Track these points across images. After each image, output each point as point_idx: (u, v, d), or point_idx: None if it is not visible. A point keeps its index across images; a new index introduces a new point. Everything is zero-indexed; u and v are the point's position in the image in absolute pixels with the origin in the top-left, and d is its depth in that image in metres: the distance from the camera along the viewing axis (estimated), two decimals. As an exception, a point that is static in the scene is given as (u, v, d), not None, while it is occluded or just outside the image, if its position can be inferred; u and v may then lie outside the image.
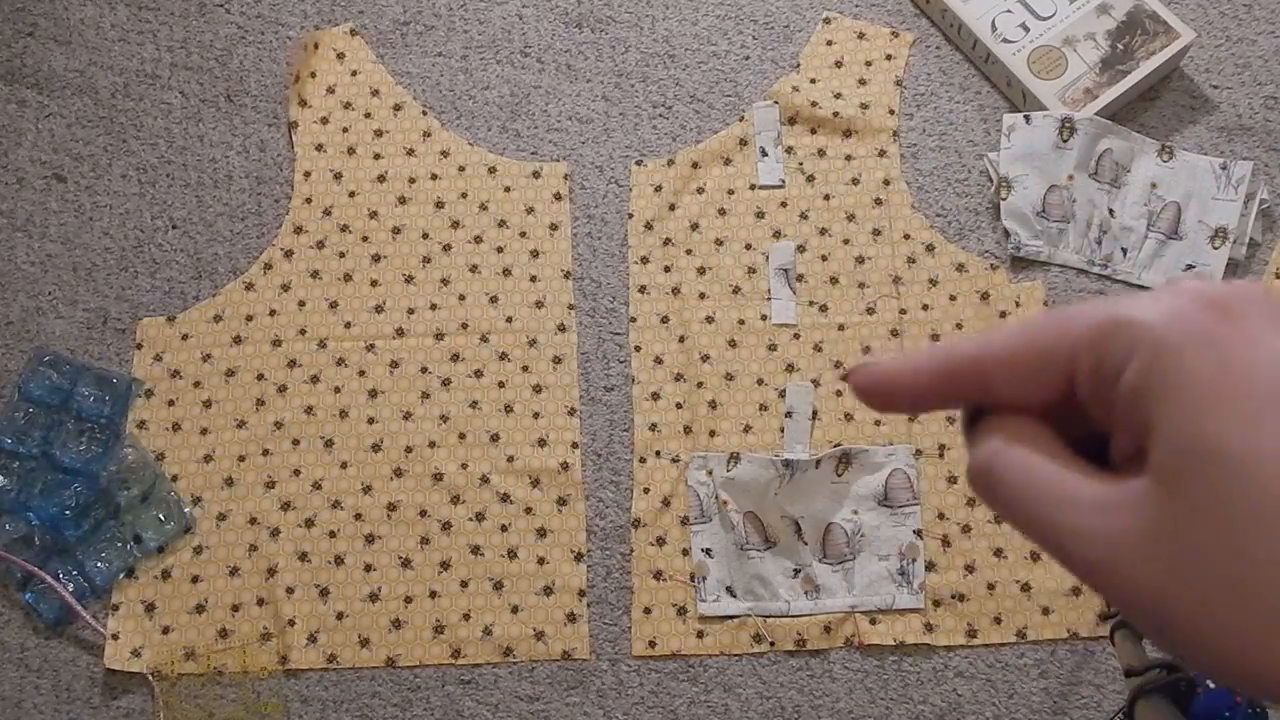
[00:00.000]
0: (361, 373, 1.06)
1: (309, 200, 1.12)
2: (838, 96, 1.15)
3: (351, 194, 1.12)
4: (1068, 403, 0.26)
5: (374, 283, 1.09)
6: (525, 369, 1.06)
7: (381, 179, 1.13)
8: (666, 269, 1.09)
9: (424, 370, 1.06)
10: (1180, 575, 0.21)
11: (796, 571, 0.99)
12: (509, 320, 1.08)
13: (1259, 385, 0.21)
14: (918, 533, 1.00)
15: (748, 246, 1.10)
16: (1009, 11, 1.14)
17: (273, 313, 1.08)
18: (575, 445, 1.04)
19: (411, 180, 1.13)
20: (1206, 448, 0.21)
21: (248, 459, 1.03)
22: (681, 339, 1.07)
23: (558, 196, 1.12)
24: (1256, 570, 0.20)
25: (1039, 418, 0.26)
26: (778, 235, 1.10)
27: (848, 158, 1.13)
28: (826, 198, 1.11)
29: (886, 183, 1.12)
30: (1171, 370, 0.22)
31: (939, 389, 0.27)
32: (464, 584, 1.00)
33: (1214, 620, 0.21)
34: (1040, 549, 0.25)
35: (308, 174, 1.13)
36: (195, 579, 1.00)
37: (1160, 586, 0.22)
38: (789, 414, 1.04)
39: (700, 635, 0.98)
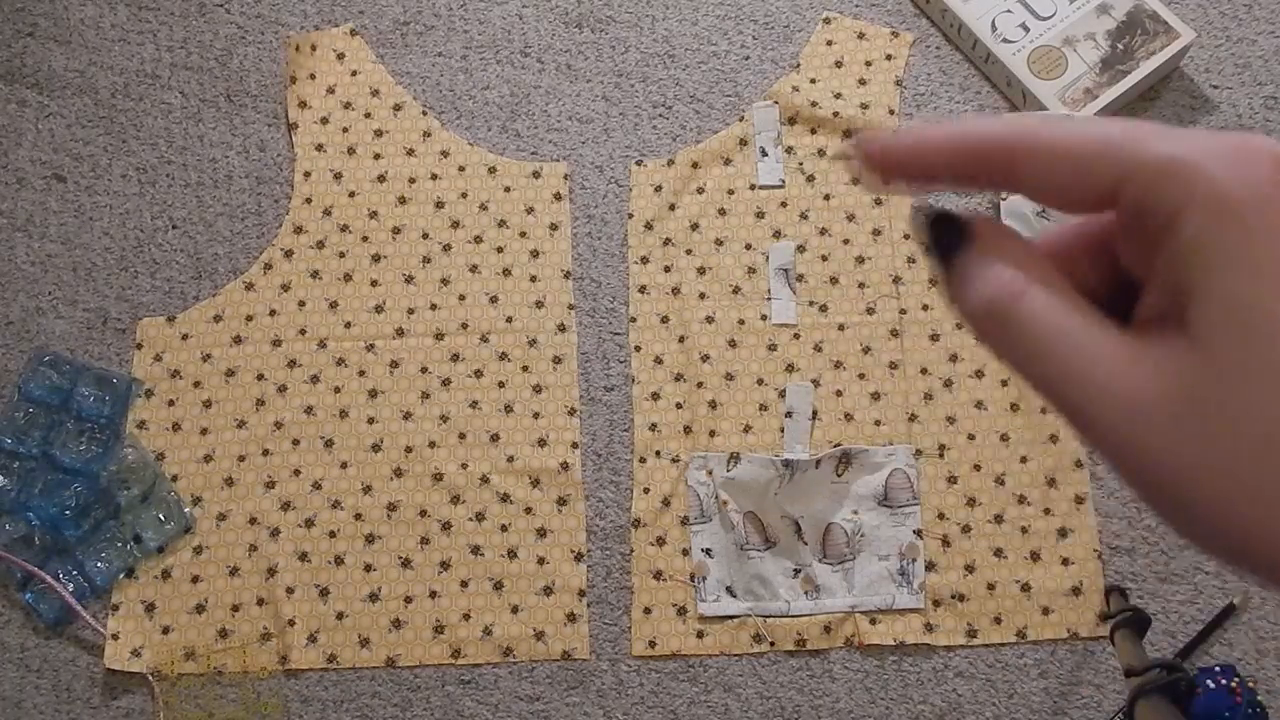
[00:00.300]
0: (361, 373, 1.06)
1: (309, 200, 1.12)
2: (838, 96, 1.15)
3: (351, 194, 1.12)
4: (1087, 236, 0.25)
5: (374, 283, 1.09)
6: (525, 369, 1.06)
7: (381, 179, 1.13)
8: (666, 269, 1.09)
9: (424, 370, 1.06)
10: (1209, 442, 0.21)
11: (796, 571, 0.99)
12: (509, 320, 1.08)
13: None
14: (918, 533, 1.00)
15: (748, 246, 1.10)
16: (1009, 11, 1.14)
17: (273, 313, 1.08)
18: (575, 445, 1.04)
19: (411, 180, 1.13)
20: (1259, 315, 0.20)
21: (248, 459, 1.03)
22: (681, 339, 1.07)
23: (558, 196, 1.12)
24: None
25: (1046, 255, 0.25)
26: (778, 235, 1.10)
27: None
28: (827, 198, 1.11)
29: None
30: (1232, 234, 0.21)
31: (956, 161, 0.25)
32: (464, 584, 1.00)
33: (1239, 486, 0.20)
34: (1049, 405, 0.23)
35: (308, 174, 1.13)
36: (195, 579, 1.00)
37: (1184, 453, 0.21)
38: (789, 414, 1.04)
39: (700, 635, 0.98)
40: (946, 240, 0.25)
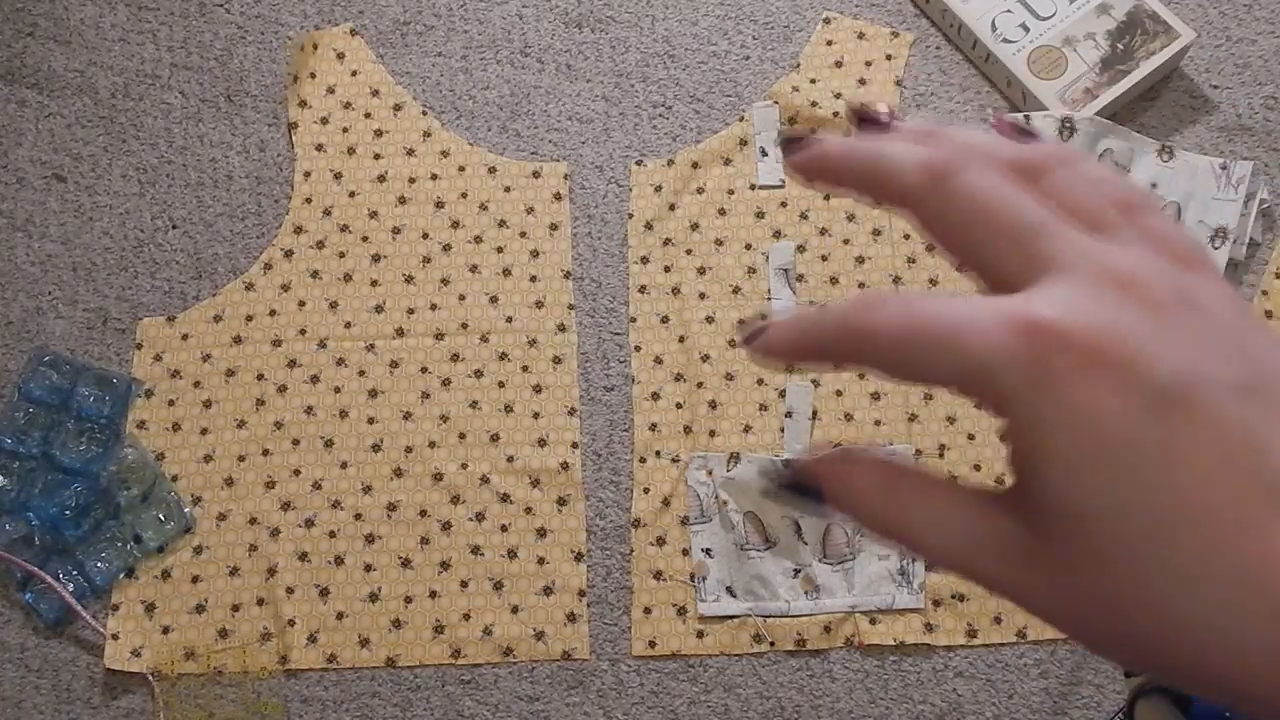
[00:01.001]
0: (361, 373, 1.06)
1: (309, 200, 1.12)
2: (838, 96, 1.15)
3: (351, 194, 1.12)
4: None
5: (374, 283, 1.09)
6: (525, 369, 1.06)
7: (381, 179, 1.13)
8: (666, 269, 1.09)
9: (424, 370, 1.06)
10: (1064, 601, 0.23)
11: (796, 571, 0.99)
12: (509, 320, 1.08)
13: (1097, 443, 0.22)
14: (918, 533, 1.00)
15: (748, 246, 1.10)
16: (1009, 11, 1.14)
17: (273, 313, 1.08)
18: (575, 445, 1.04)
19: (411, 180, 1.13)
20: (1070, 511, 0.22)
21: (248, 459, 1.03)
22: (681, 339, 1.07)
23: (558, 196, 1.12)
24: (1134, 603, 0.22)
25: None
26: (778, 235, 1.10)
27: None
28: (827, 198, 1.11)
29: (886, 183, 1.12)
30: (1029, 430, 0.23)
31: (810, 352, 0.27)
32: (464, 584, 1.00)
33: (1098, 629, 0.23)
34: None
35: (308, 174, 1.13)
36: (195, 579, 1.00)
37: (1060, 614, 0.24)
38: (789, 414, 1.04)
39: (700, 635, 0.98)
40: (806, 499, 0.28)
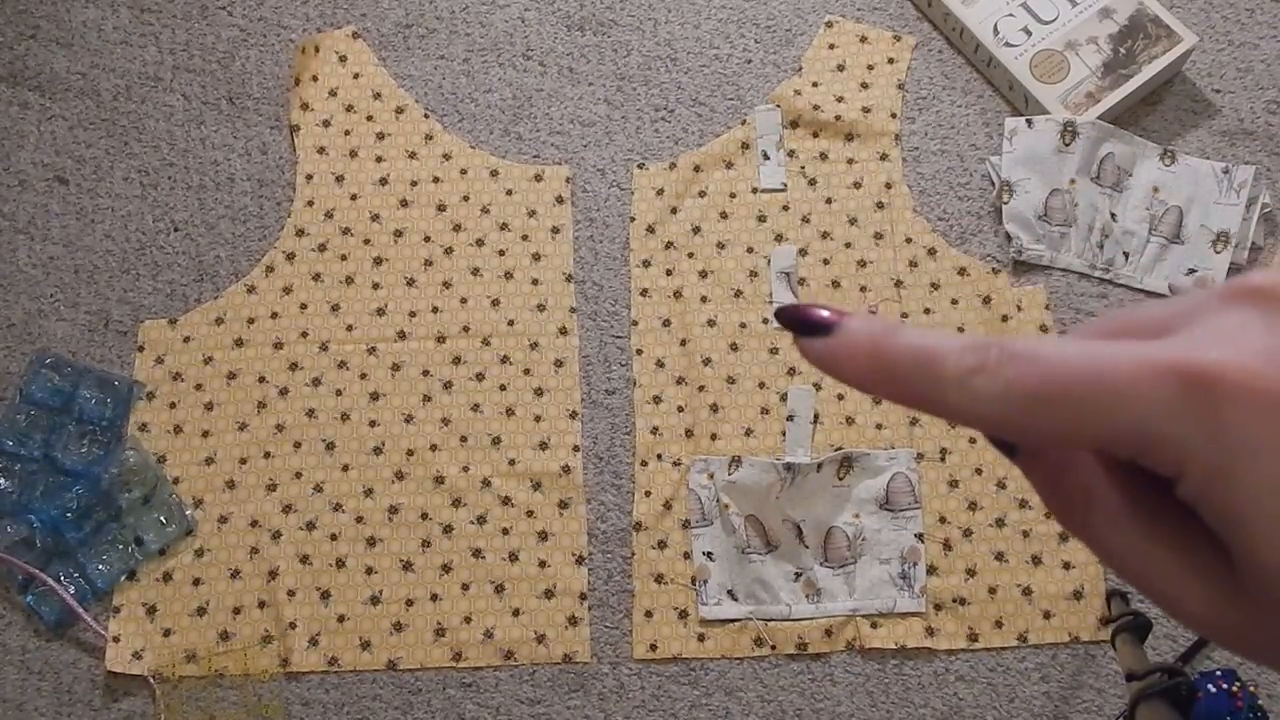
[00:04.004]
0: (363, 375, 1.06)
1: (311, 203, 1.12)
2: (840, 100, 1.15)
3: (353, 197, 1.12)
4: None
5: (376, 286, 1.09)
6: (527, 372, 1.06)
7: (383, 182, 1.13)
8: (668, 272, 1.09)
9: (425, 373, 1.06)
10: None
11: (798, 575, 0.99)
12: (510, 323, 1.08)
13: None
14: (919, 536, 1.00)
15: (749, 250, 1.10)
16: (1011, 15, 1.14)
17: (274, 315, 1.08)
18: (576, 448, 1.04)
19: (413, 183, 1.13)
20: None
21: (249, 461, 1.03)
22: (683, 342, 1.07)
23: (559, 200, 1.12)
24: None
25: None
26: (779, 239, 1.10)
27: (850, 161, 1.13)
28: (828, 201, 1.11)
29: (888, 186, 1.12)
30: (1216, 490, 0.21)
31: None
32: (465, 587, 1.00)
33: None
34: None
35: (310, 177, 1.13)
36: (196, 581, 1.00)
37: (1266, 654, 0.22)
38: (790, 417, 1.04)
39: (701, 639, 0.98)
40: (1002, 447, 0.25)
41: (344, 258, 1.10)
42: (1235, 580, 0.21)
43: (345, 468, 1.03)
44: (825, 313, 0.24)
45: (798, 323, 0.25)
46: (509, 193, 1.13)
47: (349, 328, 1.08)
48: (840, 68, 1.17)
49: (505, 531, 1.01)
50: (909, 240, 1.10)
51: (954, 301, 1.07)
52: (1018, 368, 0.22)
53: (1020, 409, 0.22)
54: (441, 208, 1.12)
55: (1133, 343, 0.22)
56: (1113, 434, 0.21)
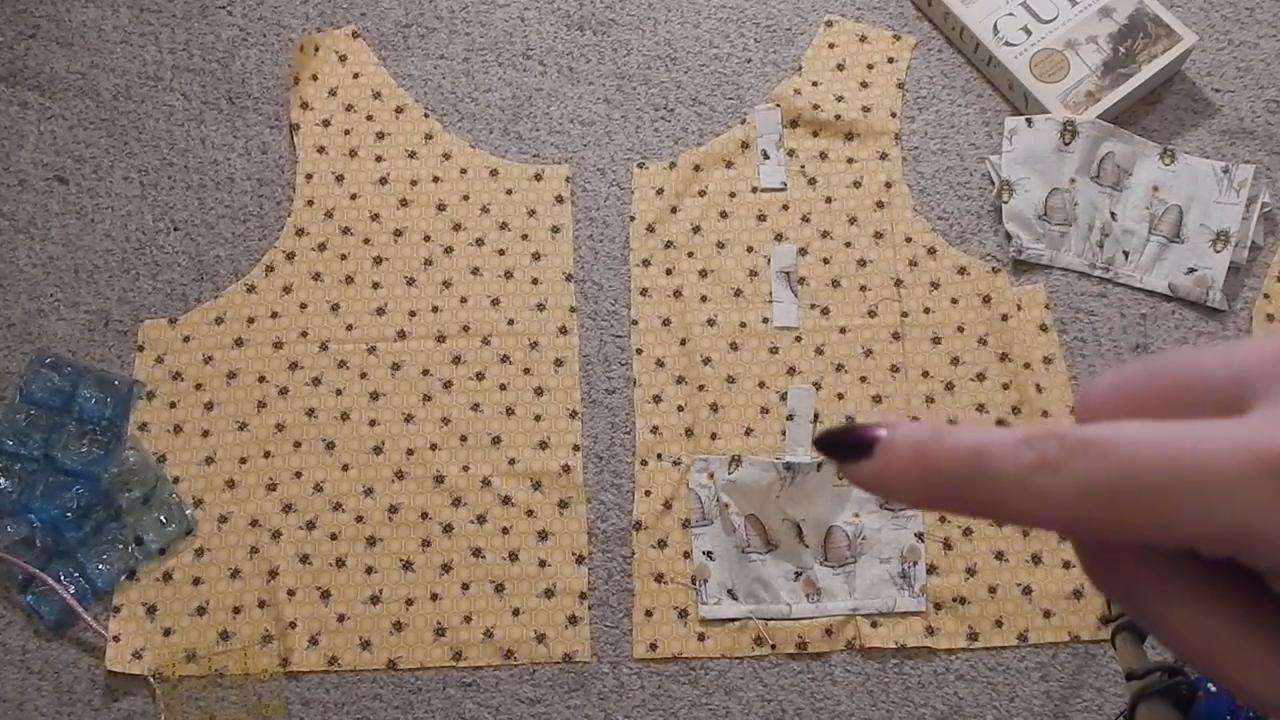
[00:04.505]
0: (363, 375, 1.06)
1: (311, 202, 1.12)
2: (840, 99, 1.15)
3: (353, 196, 1.12)
4: None
5: (375, 285, 1.09)
6: (527, 371, 1.06)
7: (383, 181, 1.13)
8: (668, 271, 1.09)
9: (425, 373, 1.06)
10: None
11: (798, 574, 0.99)
12: (510, 323, 1.08)
13: None
14: (919, 536, 1.00)
15: (749, 249, 1.10)
16: (1011, 15, 1.14)
17: (274, 315, 1.08)
18: (576, 448, 1.04)
19: (413, 183, 1.13)
20: None
21: (249, 461, 1.03)
22: (683, 342, 1.07)
23: (559, 199, 1.12)
24: None
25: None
26: (779, 238, 1.10)
27: (849, 161, 1.13)
28: (828, 200, 1.11)
29: (888, 186, 1.12)
30: None
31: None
32: (465, 586, 1.00)
33: None
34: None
35: (309, 176, 1.13)
36: (196, 581, 1.00)
37: None
38: (790, 417, 1.04)
39: (701, 638, 0.98)
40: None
41: (344, 257, 1.10)
42: None
43: (345, 467, 1.03)
44: (863, 433, 0.22)
45: (839, 449, 0.23)
46: (509, 192, 1.13)
47: (349, 327, 1.08)
48: (840, 67, 1.17)
49: (505, 531, 1.01)
50: (909, 239, 1.10)
51: (954, 301, 1.07)
52: (1089, 462, 0.19)
53: (1096, 509, 0.19)
54: (441, 207, 1.12)
55: (1218, 424, 0.19)
56: (1205, 532, 0.19)
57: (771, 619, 0.98)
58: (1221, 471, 0.18)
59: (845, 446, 0.23)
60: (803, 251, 1.10)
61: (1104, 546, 0.22)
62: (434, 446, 1.04)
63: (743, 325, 1.07)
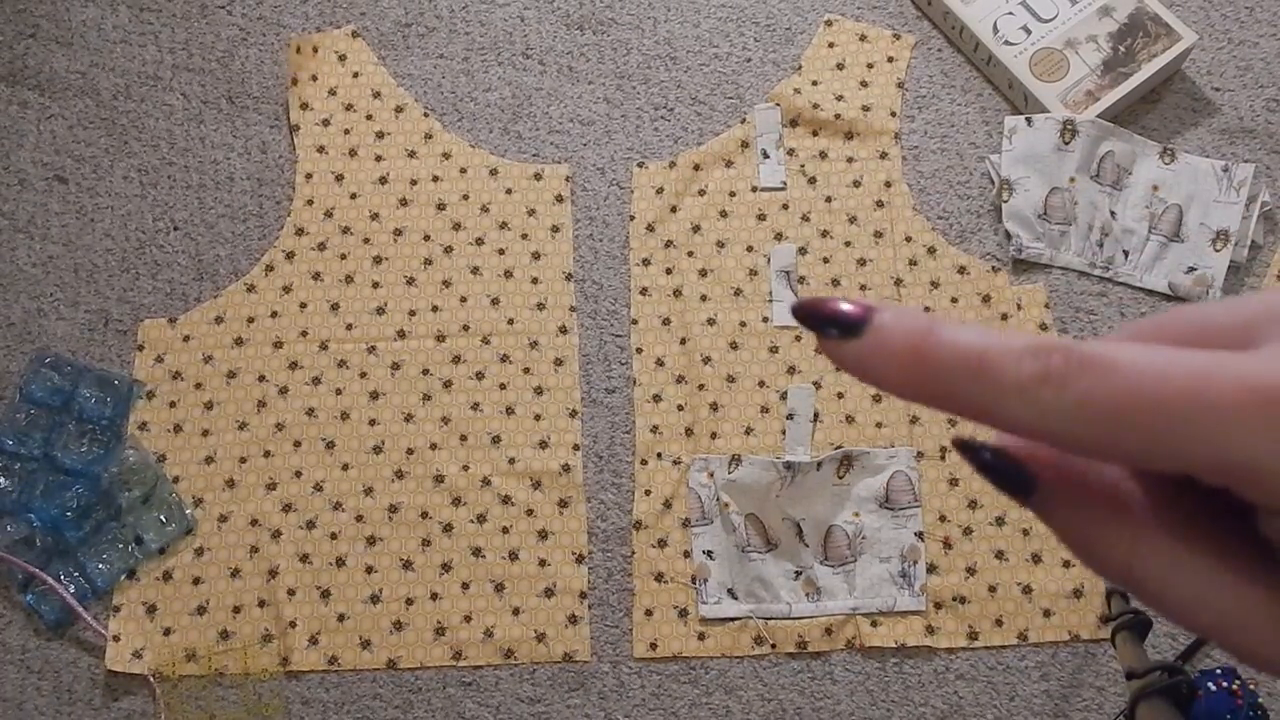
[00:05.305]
0: (363, 374, 1.06)
1: (310, 202, 1.12)
2: (839, 99, 1.15)
3: (353, 196, 1.12)
4: None
5: (375, 285, 1.09)
6: (526, 371, 1.06)
7: (383, 181, 1.13)
8: (668, 271, 1.09)
9: (425, 372, 1.06)
10: None
11: (798, 574, 0.99)
12: (510, 322, 1.08)
13: None
14: (919, 535, 1.00)
15: (749, 249, 1.10)
16: (1011, 14, 1.14)
17: (274, 314, 1.08)
18: (576, 447, 1.04)
19: (413, 182, 1.13)
20: None
21: (249, 461, 1.03)
22: (683, 341, 1.07)
23: (559, 198, 1.12)
24: None
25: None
26: (779, 237, 1.10)
27: (849, 160, 1.13)
28: (828, 200, 1.11)
29: (888, 185, 1.12)
30: None
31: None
32: (465, 586, 1.00)
33: None
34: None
35: (309, 176, 1.13)
36: (196, 580, 1.00)
37: None
38: (790, 416, 1.04)
39: (701, 637, 0.98)
40: (1012, 482, 0.22)
41: (344, 257, 1.10)
42: None
43: (345, 466, 1.03)
44: (850, 307, 0.21)
45: (822, 319, 0.21)
46: (508, 191, 1.13)
47: (349, 326, 1.08)
48: (840, 66, 1.17)
49: (505, 530, 1.01)
50: (909, 239, 1.10)
51: (954, 300, 1.07)
52: (1094, 380, 0.19)
53: (1096, 427, 0.19)
54: (441, 206, 1.12)
55: (1225, 355, 0.19)
56: (1207, 458, 0.19)
57: (771, 618, 0.98)
58: (1225, 401, 0.18)
59: (831, 320, 0.21)
60: (803, 251, 1.09)
61: (1089, 519, 0.21)
62: (434, 446, 1.04)
63: (743, 324, 1.07)
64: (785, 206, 1.11)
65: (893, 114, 1.14)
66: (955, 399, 0.20)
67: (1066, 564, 0.99)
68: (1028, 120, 1.10)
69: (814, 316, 0.21)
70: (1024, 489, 0.22)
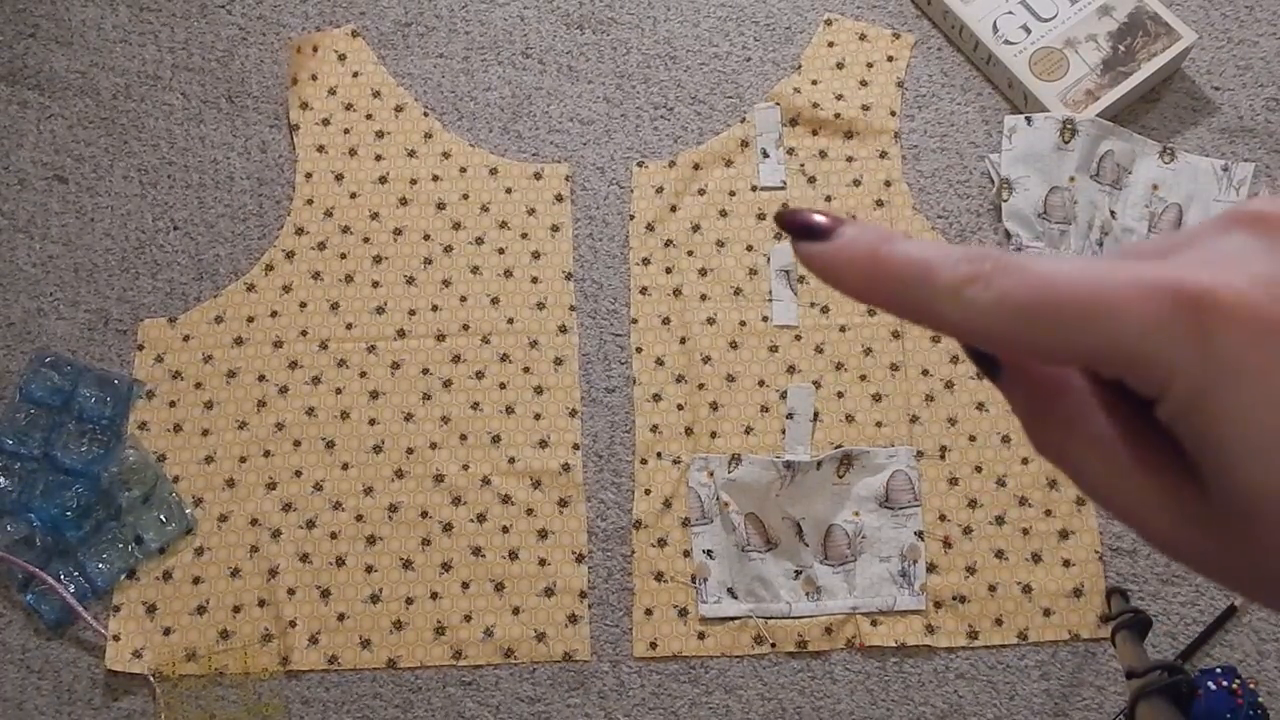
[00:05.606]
0: (363, 374, 1.06)
1: (310, 201, 1.12)
2: (839, 98, 1.15)
3: (353, 195, 1.12)
4: None
5: (375, 284, 1.09)
6: (526, 370, 1.06)
7: (383, 180, 1.13)
8: (668, 270, 1.09)
9: (425, 371, 1.06)
10: (1260, 575, 0.22)
11: (798, 573, 0.99)
12: (510, 322, 1.08)
13: None
14: (919, 534, 1.00)
15: (749, 248, 1.10)
16: (1010, 13, 1.14)
17: (274, 314, 1.08)
18: (576, 447, 1.04)
19: (413, 182, 1.13)
20: (1258, 493, 0.20)
21: (249, 460, 1.03)
22: (683, 340, 1.07)
23: (559, 198, 1.12)
24: None
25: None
26: (779, 236, 1.10)
27: (849, 159, 1.13)
28: (828, 199, 1.11)
29: (888, 184, 1.12)
30: (1201, 412, 0.21)
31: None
32: (465, 585, 1.00)
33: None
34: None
35: (309, 175, 1.13)
36: (196, 580, 1.00)
37: (1238, 576, 0.22)
38: (790, 415, 1.04)
39: (701, 637, 0.98)
40: (984, 365, 0.26)
41: (343, 256, 1.10)
42: (1206, 504, 0.22)
43: (345, 466, 1.03)
44: (823, 219, 0.25)
45: (797, 227, 0.25)
46: (508, 191, 1.13)
47: (348, 326, 1.08)
48: (839, 65, 1.17)
49: (505, 530, 1.01)
50: (908, 238, 1.09)
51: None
52: (1011, 279, 0.22)
53: (1010, 321, 0.22)
54: (441, 206, 1.12)
55: (1130, 262, 0.22)
56: (1101, 349, 0.21)
57: (771, 617, 0.98)
58: (1118, 296, 0.21)
59: (805, 227, 0.25)
60: (802, 250, 1.09)
61: (1042, 397, 0.24)
62: (434, 445, 1.04)
63: (742, 324, 1.07)
64: (785, 206, 1.11)
65: (892, 113, 1.14)
66: (901, 300, 0.23)
67: (1066, 563, 0.99)
68: (1027, 119, 1.10)
69: (792, 224, 0.25)
70: (993, 369, 0.25)
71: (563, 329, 1.08)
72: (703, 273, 1.09)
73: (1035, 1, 1.14)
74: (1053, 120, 1.09)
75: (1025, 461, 1.02)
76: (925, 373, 1.05)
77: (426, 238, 1.11)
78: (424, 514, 1.02)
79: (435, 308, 1.08)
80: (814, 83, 1.16)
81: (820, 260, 0.25)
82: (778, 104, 1.15)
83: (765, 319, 1.07)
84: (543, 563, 1.00)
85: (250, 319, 1.08)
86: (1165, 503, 0.22)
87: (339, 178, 1.13)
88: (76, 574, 0.99)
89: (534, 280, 1.09)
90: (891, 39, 1.17)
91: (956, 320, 0.23)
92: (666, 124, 1.16)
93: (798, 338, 1.07)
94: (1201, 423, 0.21)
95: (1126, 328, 0.21)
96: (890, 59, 1.17)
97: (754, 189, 1.12)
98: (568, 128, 1.16)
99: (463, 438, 1.04)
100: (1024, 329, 0.22)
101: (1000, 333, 0.22)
